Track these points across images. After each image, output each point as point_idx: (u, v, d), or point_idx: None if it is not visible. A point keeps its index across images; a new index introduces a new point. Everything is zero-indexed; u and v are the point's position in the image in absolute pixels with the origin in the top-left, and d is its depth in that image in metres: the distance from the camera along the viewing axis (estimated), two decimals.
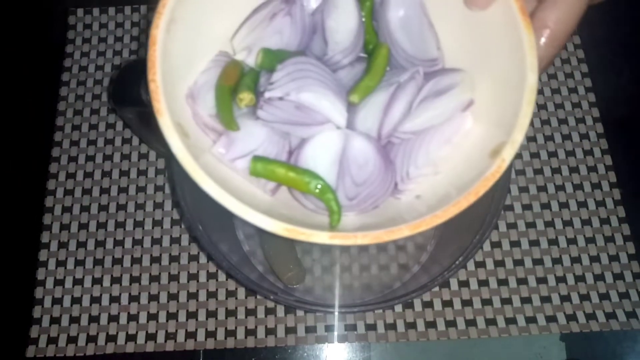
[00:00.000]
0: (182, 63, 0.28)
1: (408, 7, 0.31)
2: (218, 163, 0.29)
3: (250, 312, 0.49)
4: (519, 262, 0.51)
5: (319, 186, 0.27)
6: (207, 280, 0.51)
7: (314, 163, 0.29)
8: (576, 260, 0.51)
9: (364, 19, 0.32)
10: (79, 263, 0.51)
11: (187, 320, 0.49)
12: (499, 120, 0.27)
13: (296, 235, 0.24)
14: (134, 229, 0.52)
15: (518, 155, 0.55)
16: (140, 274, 0.51)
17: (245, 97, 0.29)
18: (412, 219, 0.25)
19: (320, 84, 0.29)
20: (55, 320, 0.49)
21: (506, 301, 0.50)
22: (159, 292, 0.50)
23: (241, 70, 0.31)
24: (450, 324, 0.49)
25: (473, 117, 0.30)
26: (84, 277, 0.51)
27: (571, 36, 0.27)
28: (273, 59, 0.30)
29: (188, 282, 0.50)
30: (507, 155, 0.25)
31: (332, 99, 0.29)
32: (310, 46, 0.33)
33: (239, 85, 0.30)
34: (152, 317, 0.49)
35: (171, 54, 0.26)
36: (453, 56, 0.31)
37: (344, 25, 0.31)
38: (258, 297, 0.50)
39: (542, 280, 0.50)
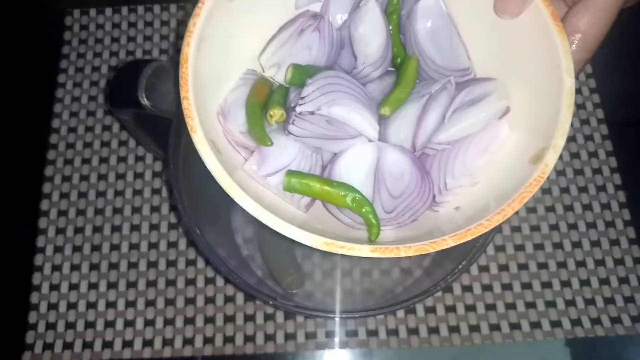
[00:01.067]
0: (212, 81, 0.28)
1: (435, 18, 0.31)
2: (251, 180, 0.29)
3: (249, 318, 0.49)
4: (523, 266, 0.50)
5: (357, 199, 0.27)
6: (205, 286, 0.50)
7: (348, 177, 0.28)
8: (581, 264, 0.50)
9: (391, 32, 0.32)
10: (75, 268, 0.51)
11: (184, 326, 0.48)
12: (537, 127, 0.27)
13: (336, 249, 0.24)
14: (130, 232, 0.52)
15: None
16: (137, 279, 0.50)
17: (276, 113, 0.29)
18: (452, 231, 0.25)
19: (351, 97, 0.29)
20: (51, 326, 0.49)
21: (510, 306, 0.49)
22: (156, 298, 0.49)
23: (270, 87, 0.31)
24: (454, 329, 0.48)
25: (509, 125, 0.29)
26: (80, 282, 0.50)
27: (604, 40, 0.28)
28: (302, 74, 0.30)
29: (185, 287, 0.50)
30: (550, 160, 0.25)
31: (363, 112, 0.29)
32: (339, 61, 0.33)
33: (269, 102, 0.30)
34: (149, 323, 0.49)
35: (201, 72, 0.27)
36: (484, 65, 0.31)
37: (372, 38, 0.31)
38: (257, 302, 0.49)
39: (546, 285, 0.50)
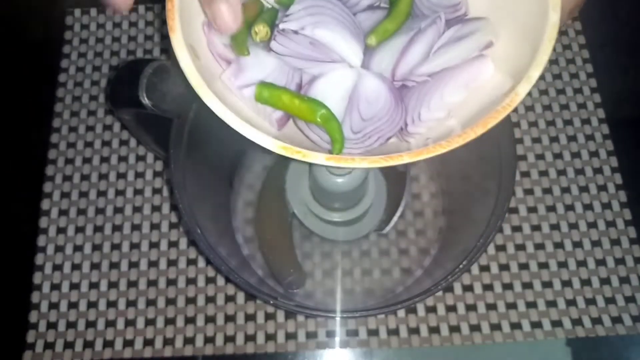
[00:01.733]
0: None
1: None
2: (228, 93, 0.29)
3: (249, 318, 0.49)
4: (524, 266, 0.50)
5: (324, 114, 0.27)
6: (206, 285, 0.50)
7: (322, 97, 0.28)
8: (582, 263, 0.50)
9: None
10: (76, 267, 0.51)
11: (185, 325, 0.48)
12: (519, 64, 0.27)
13: (292, 154, 0.24)
14: (131, 232, 0.52)
15: (522, 157, 0.54)
16: (138, 279, 0.50)
17: (261, 30, 0.29)
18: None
19: (337, 22, 0.29)
20: (51, 325, 0.49)
21: (511, 306, 0.49)
22: (156, 297, 0.49)
23: (260, 7, 0.31)
24: (454, 329, 0.48)
25: (494, 63, 0.29)
26: (80, 281, 0.50)
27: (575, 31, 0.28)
28: None
29: (186, 286, 0.50)
30: (522, 90, 0.25)
31: (348, 39, 0.28)
32: None
33: (257, 19, 0.29)
34: (149, 322, 0.49)
35: None
36: (476, 4, 0.31)
37: None
38: (258, 301, 0.49)
39: (547, 285, 0.50)
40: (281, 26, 0.28)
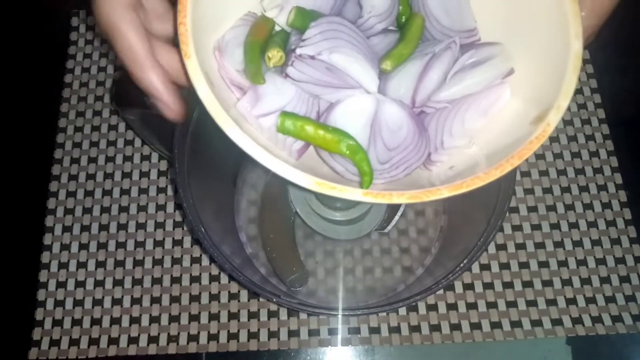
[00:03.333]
0: (211, 14, 0.27)
1: None
2: (243, 121, 0.27)
3: (253, 315, 0.49)
4: (524, 265, 0.51)
5: (351, 145, 0.26)
6: (210, 283, 0.50)
7: (343, 126, 0.28)
8: (582, 263, 0.51)
9: None
10: (81, 265, 0.51)
11: (189, 323, 0.49)
12: (540, 92, 0.26)
13: (327, 190, 0.23)
14: (136, 231, 0.52)
15: None
16: (143, 277, 0.51)
17: (275, 54, 0.28)
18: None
19: (353, 47, 0.28)
20: (57, 323, 0.49)
21: (511, 304, 0.49)
22: (161, 295, 0.50)
23: (271, 28, 0.30)
24: (455, 327, 0.48)
25: (512, 90, 0.29)
26: (86, 279, 0.51)
27: (615, 7, 0.28)
28: (306, 18, 0.29)
29: (190, 284, 0.50)
30: (553, 119, 0.24)
31: (364, 64, 0.28)
32: (343, 12, 0.32)
33: (269, 43, 0.28)
34: (154, 319, 0.49)
35: (202, 3, 0.26)
36: (490, 29, 0.31)
37: None
38: (261, 299, 0.50)
39: (547, 283, 0.50)
40: (298, 51, 0.27)
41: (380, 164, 0.28)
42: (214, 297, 0.50)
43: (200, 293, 0.50)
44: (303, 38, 0.28)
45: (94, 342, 0.48)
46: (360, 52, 0.28)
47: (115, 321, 0.49)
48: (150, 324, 0.49)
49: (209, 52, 0.28)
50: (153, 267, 0.51)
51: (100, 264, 0.51)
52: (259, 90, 0.28)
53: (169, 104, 0.27)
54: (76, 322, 0.49)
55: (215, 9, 0.28)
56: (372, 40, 0.31)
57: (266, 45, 0.28)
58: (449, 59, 0.29)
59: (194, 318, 0.49)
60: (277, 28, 0.31)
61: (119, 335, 0.49)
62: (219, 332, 0.49)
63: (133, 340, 0.48)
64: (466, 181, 0.24)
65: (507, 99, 0.29)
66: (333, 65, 0.27)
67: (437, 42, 0.30)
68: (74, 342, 0.48)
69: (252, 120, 0.27)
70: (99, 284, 0.50)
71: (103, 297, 0.50)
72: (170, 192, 0.54)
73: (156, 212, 0.53)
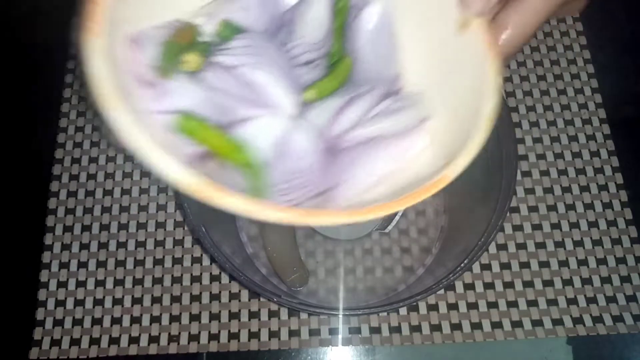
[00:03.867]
0: (133, 6, 0.26)
1: (379, 27, 0.30)
2: (136, 113, 0.25)
3: (253, 315, 0.49)
4: (525, 265, 0.51)
5: (248, 157, 0.25)
6: (210, 283, 0.50)
7: (249, 142, 0.26)
8: (583, 262, 0.51)
9: (335, 28, 0.31)
10: (82, 265, 0.51)
11: (190, 322, 0.49)
12: (451, 145, 0.26)
13: (208, 193, 0.21)
14: (136, 230, 0.52)
15: (524, 157, 0.55)
16: (143, 276, 0.51)
17: (193, 59, 0.26)
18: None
19: (278, 68, 0.27)
20: (58, 323, 0.49)
21: (512, 304, 0.49)
22: (162, 295, 0.50)
23: (195, 35, 0.28)
24: (456, 327, 0.48)
25: (428, 137, 0.29)
26: (87, 279, 0.51)
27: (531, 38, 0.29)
28: (234, 31, 0.28)
29: (191, 284, 0.50)
30: (450, 174, 0.24)
31: (285, 87, 0.27)
32: (275, 35, 0.31)
33: (190, 48, 0.27)
34: (155, 319, 0.49)
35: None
36: (416, 79, 0.31)
37: (313, 24, 0.30)
38: (261, 299, 0.50)
39: (548, 283, 0.50)
40: (219, 58, 0.26)
41: (274, 185, 0.27)
42: (215, 297, 0.50)
43: (200, 293, 0.50)
44: (227, 47, 0.27)
45: (94, 341, 0.49)
46: (284, 76, 0.27)
47: (116, 321, 0.49)
48: (151, 324, 0.49)
49: (121, 39, 0.26)
50: (154, 266, 0.51)
51: (101, 264, 0.51)
52: (166, 87, 0.26)
53: None
54: (77, 322, 0.49)
55: (141, 7, 0.26)
56: (298, 70, 0.30)
57: (186, 49, 0.27)
58: (371, 101, 0.29)
59: (195, 318, 0.49)
60: (202, 37, 0.29)
61: (120, 335, 0.49)
62: (219, 332, 0.49)
63: (134, 340, 0.48)
64: (358, 210, 0.23)
65: (423, 147, 0.29)
66: (253, 81, 0.26)
67: (362, 85, 0.30)
68: (75, 342, 0.49)
69: (148, 115, 0.25)
70: (99, 283, 0.51)
71: (104, 297, 0.50)
72: (170, 192, 0.54)
73: (157, 212, 0.53)
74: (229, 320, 0.49)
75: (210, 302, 0.50)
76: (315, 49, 0.30)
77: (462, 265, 0.37)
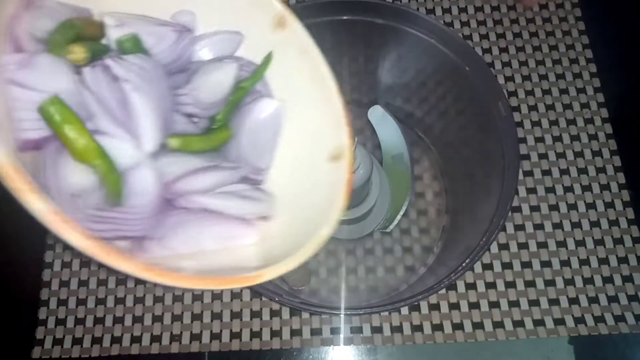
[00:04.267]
0: None
1: (268, 119, 0.31)
2: None
3: (255, 314, 0.49)
4: (526, 264, 0.50)
5: (105, 162, 0.24)
6: None
7: None
8: (585, 262, 0.51)
9: (230, 98, 0.31)
10: (85, 265, 0.51)
11: (192, 322, 0.49)
12: (274, 253, 0.27)
13: (14, 185, 0.20)
14: None
15: (526, 156, 0.54)
16: None
17: (79, 51, 0.25)
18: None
19: (159, 103, 0.26)
20: (60, 322, 0.49)
21: (514, 304, 0.49)
22: (163, 294, 0.50)
23: (100, 30, 0.28)
24: (457, 326, 0.48)
25: (256, 238, 0.29)
26: (89, 278, 0.51)
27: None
28: (137, 49, 0.28)
29: None
30: (266, 275, 0.25)
31: (155, 123, 0.26)
32: (173, 76, 0.31)
33: (85, 39, 0.26)
34: (157, 319, 0.49)
35: None
36: (277, 180, 0.32)
37: (213, 86, 0.30)
38: (263, 299, 0.50)
39: (550, 283, 0.50)
40: (108, 62, 0.25)
41: (94, 209, 0.25)
42: (217, 297, 0.50)
43: (202, 292, 0.50)
44: (122, 56, 0.26)
45: (97, 341, 0.49)
46: (159, 112, 0.27)
47: (118, 320, 0.49)
48: (153, 323, 0.49)
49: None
50: None
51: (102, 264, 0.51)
52: (37, 60, 0.24)
53: None
54: (79, 321, 0.49)
55: None
56: (177, 117, 0.30)
57: (79, 39, 0.26)
58: (228, 178, 0.29)
59: (197, 317, 0.49)
60: (106, 40, 0.29)
61: (122, 334, 0.49)
62: (221, 331, 0.49)
63: (136, 339, 0.49)
64: (163, 272, 0.23)
65: (249, 242, 0.29)
66: (129, 101, 0.25)
67: (229, 161, 0.30)
68: (77, 341, 0.49)
69: (5, 81, 0.23)
70: (102, 283, 0.51)
71: (106, 296, 0.50)
72: None
73: None
74: (231, 320, 0.49)
75: (212, 301, 0.50)
76: (203, 107, 0.30)
77: (463, 264, 0.37)
